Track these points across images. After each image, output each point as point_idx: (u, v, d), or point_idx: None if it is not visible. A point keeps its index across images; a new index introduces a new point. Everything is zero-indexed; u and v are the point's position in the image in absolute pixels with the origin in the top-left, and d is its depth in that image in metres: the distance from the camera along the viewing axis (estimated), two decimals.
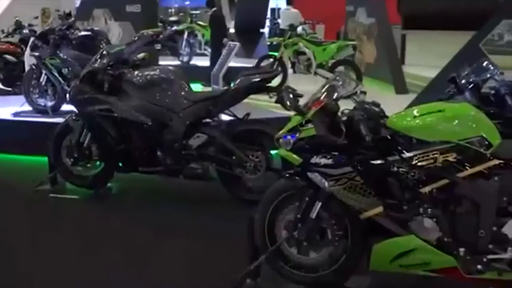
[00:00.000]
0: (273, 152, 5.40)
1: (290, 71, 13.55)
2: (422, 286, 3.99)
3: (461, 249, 3.54)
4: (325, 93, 3.82)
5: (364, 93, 4.00)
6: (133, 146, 5.88)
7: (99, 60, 6.09)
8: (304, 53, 13.36)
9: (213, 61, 12.79)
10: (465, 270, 3.55)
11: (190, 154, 5.75)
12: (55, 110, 8.42)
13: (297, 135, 3.80)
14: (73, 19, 14.70)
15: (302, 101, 3.95)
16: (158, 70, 6.27)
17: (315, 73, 12.88)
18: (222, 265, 4.28)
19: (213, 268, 4.32)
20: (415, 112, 3.73)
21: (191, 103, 5.77)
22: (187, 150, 5.74)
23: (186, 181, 5.87)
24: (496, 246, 3.51)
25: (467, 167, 3.53)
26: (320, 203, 3.77)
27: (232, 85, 5.95)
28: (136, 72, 6.12)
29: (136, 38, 7.97)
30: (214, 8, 13.75)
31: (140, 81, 5.97)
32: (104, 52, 6.17)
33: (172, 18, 18.44)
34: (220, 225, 5.17)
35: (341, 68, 12.58)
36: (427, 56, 13.86)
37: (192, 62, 14.71)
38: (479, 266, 3.53)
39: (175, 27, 15.58)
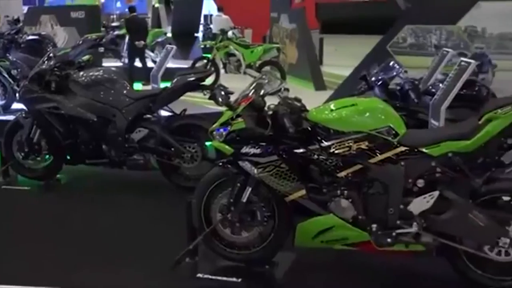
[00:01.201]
0: (207, 143, 5.39)
1: (222, 71, 13.57)
2: (340, 258, 4.05)
3: (374, 225, 3.61)
4: (253, 90, 3.83)
5: (287, 90, 4.05)
6: (80, 140, 5.78)
7: (46, 62, 5.95)
8: (234, 55, 13.46)
9: (130, 59, 12.76)
10: (377, 243, 3.62)
11: (132, 147, 5.70)
12: (6, 109, 8.27)
13: (229, 128, 3.79)
14: (21, 24, 14.34)
15: (233, 98, 3.96)
16: (101, 71, 6.18)
17: (244, 73, 13.00)
18: (163, 247, 4.24)
19: (155, 249, 4.28)
20: (332, 106, 3.78)
21: (133, 101, 5.73)
22: (129, 143, 5.69)
23: (129, 171, 5.83)
24: (403, 222, 3.59)
25: (377, 154, 3.59)
26: (250, 188, 3.79)
27: (170, 84, 5.92)
28: (81, 73, 6.01)
29: (80, 42, 7.80)
30: (133, 13, 13.74)
31: (85, 80, 5.87)
32: (51, 55, 6.04)
33: (114, 24, 18.21)
34: (161, 210, 5.15)
35: (267, 68, 12.67)
36: (342, 57, 14.09)
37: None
38: (389, 240, 3.60)
39: (116, 32, 15.32)
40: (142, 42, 12.79)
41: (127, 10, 16.33)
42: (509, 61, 6.29)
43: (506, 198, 3.58)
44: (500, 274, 3.59)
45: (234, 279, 3.78)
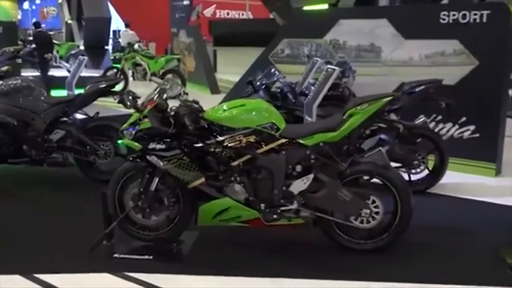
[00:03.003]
0: (119, 141, 5.25)
1: (130, 79, 13.29)
2: (236, 233, 4.07)
3: (262, 205, 3.67)
4: (157, 95, 3.78)
5: (187, 94, 4.03)
6: (2, 142, 5.43)
7: None
8: (140, 65, 13.31)
9: (43, 70, 12.14)
10: (266, 219, 3.68)
11: (51, 146, 5.45)
12: None
13: (137, 127, 3.72)
14: None
15: (140, 101, 3.88)
16: (20, 80, 5.84)
17: (150, 80, 12.86)
18: (82, 233, 4.08)
19: (75, 235, 4.11)
20: (224, 107, 3.79)
21: (50, 106, 5.48)
22: (48, 143, 5.43)
23: (49, 168, 5.55)
24: (286, 201, 3.67)
25: (263, 145, 3.64)
26: (157, 179, 3.73)
27: (83, 90, 5.73)
28: (1, 82, 5.69)
29: (0, 54, 7.31)
30: (39, 29, 13.07)
31: (5, 89, 5.53)
32: None
33: (31, 38, 17.22)
34: (79, 202, 4.94)
35: (169, 75, 12.58)
36: (232, 65, 14.17)
37: (50, 73, 13.83)
38: (275, 216, 3.68)
39: (33, 45, 14.55)
40: (50, 54, 12.23)
41: (43, 25, 15.48)
42: (365, 68, 6.57)
43: (365, 178, 3.76)
44: (363, 238, 3.77)
45: (147, 257, 3.70)
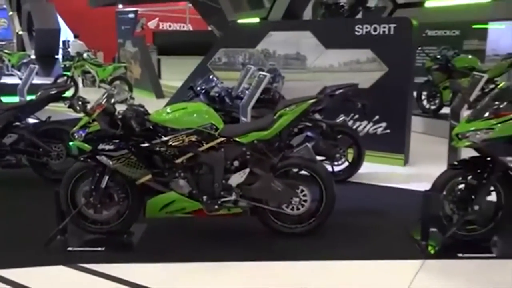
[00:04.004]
0: (70, 143, 5.04)
1: (80, 85, 12.82)
2: (181, 223, 4.03)
3: (204, 197, 3.64)
4: (105, 99, 3.66)
5: (133, 98, 3.94)
6: None
7: None
8: (89, 72, 12.88)
9: None
10: (208, 210, 3.66)
11: (5, 149, 5.16)
12: None
13: (87, 130, 3.60)
14: None
15: (89, 106, 3.75)
16: None
17: (99, 86, 12.45)
18: (37, 229, 3.91)
19: (30, 232, 3.93)
20: (168, 110, 3.73)
21: (2, 111, 5.18)
22: (2, 147, 5.14)
23: (3, 170, 5.26)
24: (225, 193, 3.66)
25: (204, 144, 3.61)
26: (107, 177, 3.62)
27: (35, 96, 5.47)
28: None
29: None
30: None
31: None
32: None
33: None
34: (34, 201, 4.70)
35: (117, 82, 12.19)
36: (175, 72, 13.99)
37: (2, 81, 13.11)
38: (216, 206, 3.66)
39: None
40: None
41: None
42: (292, 74, 6.66)
43: (295, 170, 3.81)
44: (294, 223, 3.81)
45: (99, 248, 3.59)
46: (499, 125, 3.34)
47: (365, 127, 6.17)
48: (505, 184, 3.50)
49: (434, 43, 10.51)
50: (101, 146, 3.56)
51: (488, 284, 3.08)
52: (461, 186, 3.56)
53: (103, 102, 3.64)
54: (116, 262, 3.39)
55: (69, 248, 3.61)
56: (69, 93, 7.25)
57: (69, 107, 3.85)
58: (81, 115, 3.74)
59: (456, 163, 3.69)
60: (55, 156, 5.25)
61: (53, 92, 5.41)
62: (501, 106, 3.40)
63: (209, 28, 16.60)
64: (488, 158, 3.50)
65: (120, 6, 19.39)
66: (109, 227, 3.76)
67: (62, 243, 3.66)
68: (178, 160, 3.61)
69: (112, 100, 3.67)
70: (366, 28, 6.08)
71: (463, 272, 3.25)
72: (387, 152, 6.03)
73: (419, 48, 9.74)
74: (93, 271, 3.28)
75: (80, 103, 3.72)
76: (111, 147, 3.56)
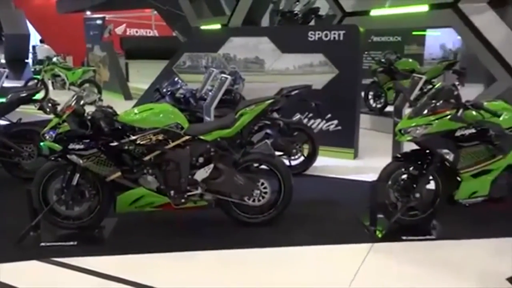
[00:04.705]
0: (41, 143, 4.86)
1: (51, 88, 12.39)
2: (151, 217, 3.97)
3: (172, 191, 3.59)
4: (74, 101, 3.55)
5: (102, 100, 3.85)
6: None
7: None
8: (59, 76, 12.46)
9: None
10: (175, 204, 3.62)
11: None
12: None
13: (57, 130, 3.48)
14: None
15: (59, 108, 3.63)
16: None
17: (69, 89, 12.06)
18: (10, 227, 3.75)
19: (3, 229, 3.77)
20: (135, 111, 3.65)
21: None
22: None
23: None
24: (191, 187, 3.62)
25: (170, 142, 3.57)
26: (78, 174, 3.52)
27: (5, 99, 5.24)
28: None
29: None
30: None
31: None
32: None
33: None
34: (6, 199, 4.53)
35: (86, 85, 11.84)
36: (142, 75, 13.75)
37: None
38: (183, 200, 3.62)
39: None
40: None
41: None
42: (252, 76, 6.66)
43: (255, 165, 3.82)
44: (255, 214, 3.82)
45: (71, 243, 3.48)
46: (436, 121, 3.46)
47: (318, 124, 6.24)
48: (442, 174, 3.62)
49: (379, 48, 10.76)
50: (71, 146, 3.46)
51: (428, 262, 3.18)
52: (404, 176, 3.66)
53: (73, 103, 3.53)
54: (88, 255, 3.30)
55: (42, 244, 3.49)
56: (39, 96, 7.03)
57: (39, 109, 3.70)
58: (51, 116, 3.61)
59: (399, 155, 3.79)
60: (27, 156, 5.07)
61: (23, 94, 5.21)
62: (438, 104, 3.52)
63: (174, 34, 16.38)
64: (427, 151, 3.62)
65: (88, 12, 18.84)
66: (80, 222, 3.66)
67: (35, 239, 3.54)
68: (146, 158, 3.54)
69: (82, 102, 3.57)
70: (318, 34, 6.14)
71: (407, 253, 3.35)
72: (338, 147, 6.12)
73: (366, 52, 9.96)
74: (66, 264, 3.18)
75: (50, 105, 3.59)
76: (81, 146, 3.46)
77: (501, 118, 3.54)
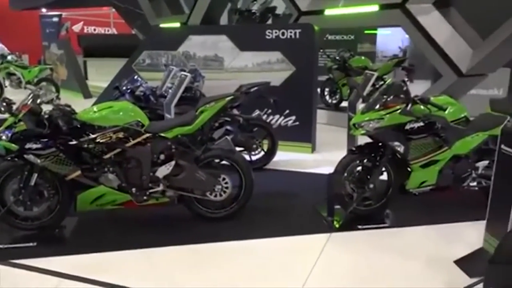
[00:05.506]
0: None
1: (7, 87, 11.81)
2: (113, 215, 3.87)
3: (133, 189, 3.52)
4: (31, 100, 3.41)
5: (59, 99, 3.69)
6: None
7: None
8: (14, 74, 11.86)
9: None
10: (137, 201, 3.55)
11: None
12: None
13: (13, 130, 3.32)
14: None
15: (15, 107, 3.46)
16: None
17: (25, 88, 11.52)
18: None
19: None
20: (95, 109, 3.55)
21: None
22: None
23: None
24: (153, 184, 3.57)
25: (131, 140, 3.49)
26: (36, 174, 3.37)
27: None
28: None
29: None
30: None
31: None
32: None
33: None
34: None
35: (43, 83, 11.34)
36: (101, 73, 13.38)
37: None
38: (145, 197, 3.56)
39: None
40: None
41: None
42: (211, 74, 6.61)
43: (217, 161, 3.80)
44: (217, 209, 3.81)
45: (31, 244, 3.35)
46: (387, 115, 3.56)
47: (277, 120, 6.29)
48: (393, 165, 3.74)
49: (334, 46, 10.96)
50: (28, 145, 3.31)
51: (382, 249, 3.28)
52: (359, 168, 3.75)
53: (29, 102, 3.39)
54: (48, 256, 3.18)
55: (0, 246, 3.33)
56: None
57: None
58: (6, 116, 3.45)
59: (354, 149, 3.87)
60: None
61: None
62: (389, 99, 3.62)
63: (133, 32, 16.00)
64: (380, 144, 3.72)
65: (44, 10, 18.08)
66: (39, 222, 3.51)
67: None
68: (107, 156, 3.45)
69: (38, 101, 3.42)
70: (276, 32, 6.17)
71: (363, 241, 3.44)
72: (297, 141, 6.19)
73: (321, 50, 10.10)
74: (25, 266, 3.05)
75: (5, 104, 3.42)
76: (39, 145, 3.32)
77: (446, 112, 3.70)
